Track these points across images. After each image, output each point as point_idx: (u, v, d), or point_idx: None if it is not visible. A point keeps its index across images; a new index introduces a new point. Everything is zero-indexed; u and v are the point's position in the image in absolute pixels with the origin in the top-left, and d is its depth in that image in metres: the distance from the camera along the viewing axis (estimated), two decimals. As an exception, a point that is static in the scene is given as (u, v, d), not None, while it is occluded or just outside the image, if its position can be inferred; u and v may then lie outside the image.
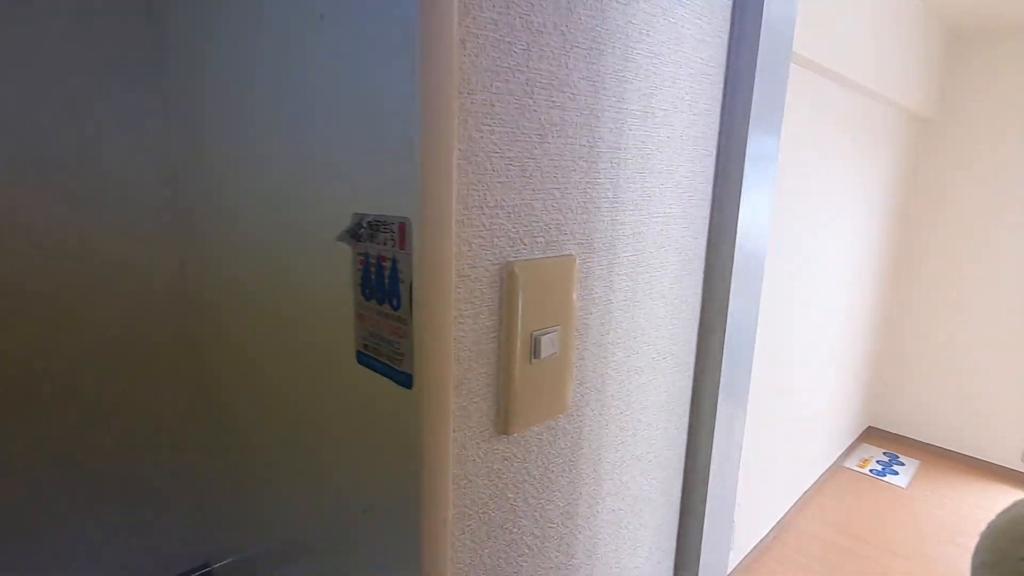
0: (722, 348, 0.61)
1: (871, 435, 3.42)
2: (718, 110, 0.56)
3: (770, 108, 0.58)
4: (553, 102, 0.41)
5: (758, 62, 0.54)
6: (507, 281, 0.40)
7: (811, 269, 2.18)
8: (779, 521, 2.46)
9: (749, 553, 2.22)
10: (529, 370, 0.42)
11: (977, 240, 2.99)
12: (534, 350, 0.41)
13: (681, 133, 0.52)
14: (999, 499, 2.80)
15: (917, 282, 3.21)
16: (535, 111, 0.39)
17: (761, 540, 2.31)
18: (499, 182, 0.38)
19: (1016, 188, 2.85)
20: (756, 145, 0.57)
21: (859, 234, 2.61)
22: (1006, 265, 2.91)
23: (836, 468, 3.02)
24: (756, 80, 0.54)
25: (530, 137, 0.40)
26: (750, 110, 0.55)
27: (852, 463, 3.08)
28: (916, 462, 3.12)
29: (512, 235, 0.40)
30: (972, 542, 2.42)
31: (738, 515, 2.05)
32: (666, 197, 0.52)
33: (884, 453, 3.20)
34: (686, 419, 0.64)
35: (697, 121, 0.54)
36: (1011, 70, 2.80)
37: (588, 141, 0.44)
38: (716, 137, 0.56)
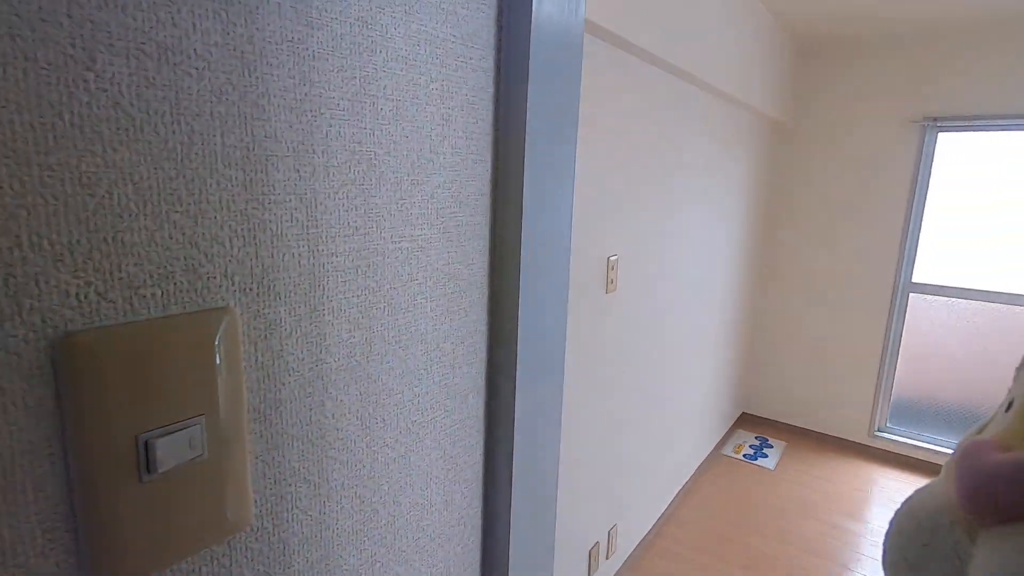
0: (514, 382, 0.50)
1: (744, 421, 3.62)
2: (490, 104, 0.44)
3: (558, 107, 0.47)
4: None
5: (532, 52, 0.42)
6: (66, 363, 0.25)
7: (676, 269, 2.21)
8: (663, 514, 2.49)
9: (633, 551, 2.22)
10: (139, 492, 0.27)
11: (827, 236, 3.24)
12: (146, 462, 0.27)
13: (428, 133, 0.40)
14: (850, 471, 3.05)
15: (778, 276, 3.44)
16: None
17: (645, 535, 2.33)
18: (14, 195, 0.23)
19: (858, 187, 3.11)
20: (542, 148, 0.46)
21: (724, 233, 2.71)
22: (851, 260, 3.18)
23: (715, 456, 3.15)
24: (533, 73, 0.43)
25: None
26: (525, 107, 0.43)
27: (728, 449, 3.23)
28: (783, 444, 3.33)
29: (76, 286, 0.25)
30: (829, 517, 2.60)
31: (620, 517, 2.04)
32: (410, 216, 0.40)
33: (756, 437, 3.39)
34: (479, 485, 0.52)
35: (453, 116, 0.41)
36: (853, 79, 3.04)
37: (243, 139, 0.30)
38: (490, 138, 0.45)
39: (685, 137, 2.07)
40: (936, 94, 2.84)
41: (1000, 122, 2.72)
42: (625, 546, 2.15)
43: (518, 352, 0.49)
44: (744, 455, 3.16)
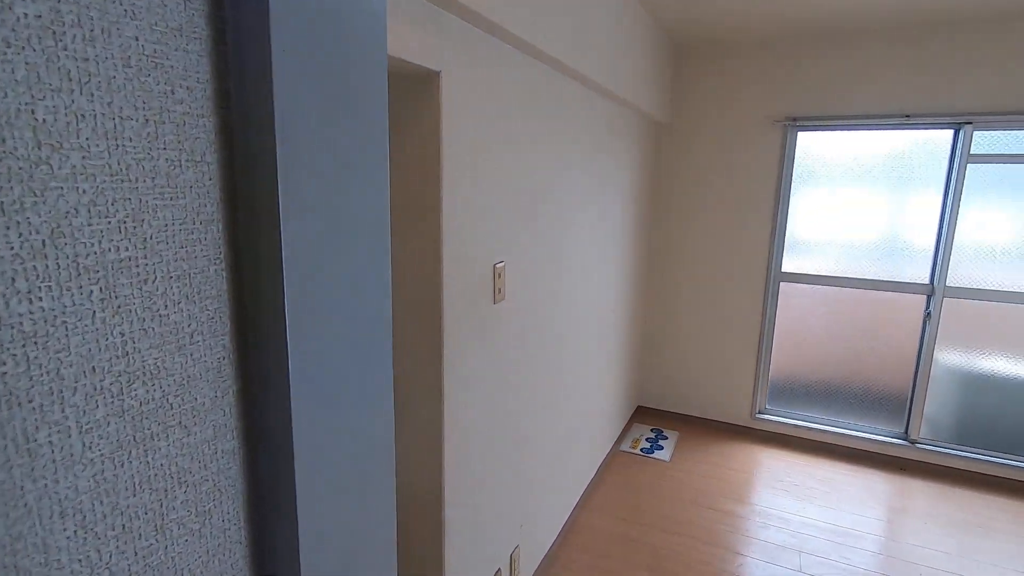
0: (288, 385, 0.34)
1: (641, 415, 3.70)
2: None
3: (340, 79, 0.32)
4: None
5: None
6: None
7: (564, 272, 2.14)
8: (566, 523, 2.43)
9: (537, 569, 2.13)
10: None
11: (706, 230, 3.38)
12: None
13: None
14: (737, 455, 3.20)
15: (662, 271, 3.54)
16: None
17: (549, 549, 2.25)
18: None
19: (732, 183, 3.27)
20: (314, 134, 0.30)
21: (610, 232, 2.70)
22: (728, 252, 3.34)
23: (614, 453, 3.17)
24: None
25: None
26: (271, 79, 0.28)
27: (627, 445, 3.27)
28: (676, 434, 3.43)
29: None
30: (720, 504, 2.68)
31: (523, 537, 1.93)
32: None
33: (651, 430, 3.46)
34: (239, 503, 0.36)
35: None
36: (725, 79, 3.18)
37: None
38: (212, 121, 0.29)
39: (567, 136, 2.00)
40: (794, 95, 3.04)
41: (850, 122, 2.97)
42: (529, 567, 2.05)
43: (288, 359, 0.33)
44: (641, 449, 3.21)
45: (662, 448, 3.23)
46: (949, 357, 3.03)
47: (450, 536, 1.42)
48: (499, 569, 1.76)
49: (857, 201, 3.09)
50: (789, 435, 3.37)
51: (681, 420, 3.62)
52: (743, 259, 3.31)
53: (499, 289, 1.59)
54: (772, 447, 3.31)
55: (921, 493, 2.86)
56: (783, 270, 3.29)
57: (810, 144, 3.14)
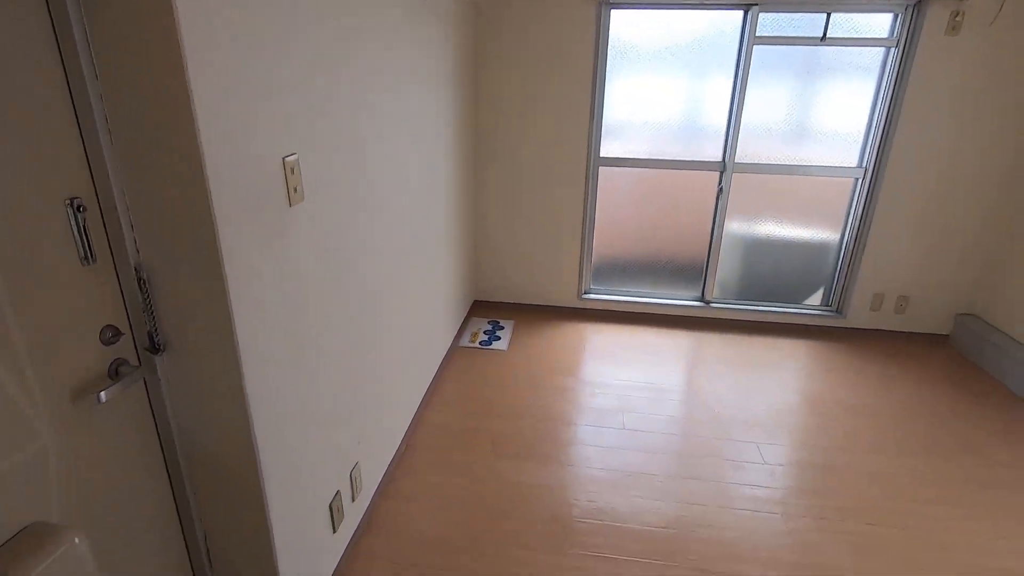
0: None
1: (478, 309, 3.74)
2: None
3: None
4: None
5: None
6: None
7: (378, 166, 1.90)
8: (409, 426, 2.40)
9: (381, 479, 2.09)
10: None
11: (528, 118, 3.29)
12: None
13: None
14: (566, 335, 3.42)
15: (490, 161, 3.43)
16: None
17: (394, 454, 2.21)
18: None
19: (550, 69, 3.16)
20: None
21: (432, 123, 2.47)
22: (551, 139, 3.32)
23: (454, 349, 3.17)
24: None
25: None
26: None
27: (466, 340, 3.29)
28: (512, 323, 3.54)
29: None
30: (554, 381, 2.86)
31: (362, 453, 1.83)
32: None
33: (489, 323, 3.53)
34: None
35: None
36: (536, -54, 2.93)
37: None
38: None
39: (365, 8, 1.66)
40: (607, -31, 2.94)
41: (657, 0, 2.98)
42: (373, 479, 1.99)
43: None
44: (480, 342, 3.27)
45: (499, 338, 3.32)
46: (736, 226, 3.46)
47: (268, 473, 1.26)
48: (338, 492, 1.66)
49: (663, 84, 3.21)
50: (611, 310, 3.67)
51: (516, 309, 3.73)
52: (565, 146, 3.32)
53: (294, 188, 1.32)
54: (598, 323, 3.59)
55: (713, 344, 3.35)
56: (601, 155, 3.38)
57: (621, 25, 3.11)
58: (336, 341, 1.59)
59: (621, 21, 3.11)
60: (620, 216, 3.53)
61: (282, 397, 1.31)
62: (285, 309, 1.31)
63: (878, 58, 3.05)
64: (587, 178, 3.38)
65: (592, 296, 3.67)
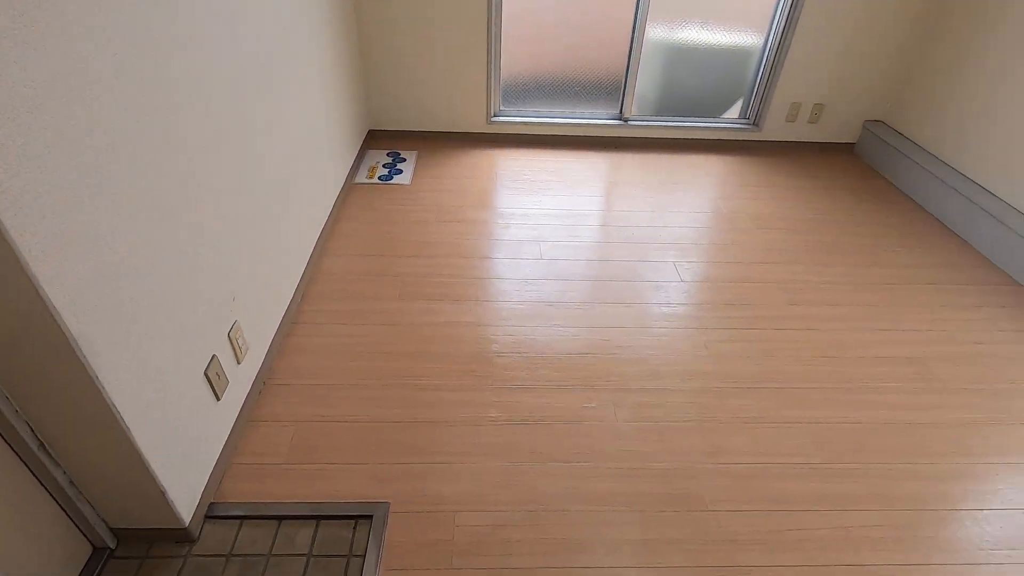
0: None
1: (374, 140, 3.27)
2: None
3: None
4: None
5: None
6: None
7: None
8: (302, 277, 2.11)
9: (278, 330, 1.85)
10: None
11: None
12: None
13: None
14: (476, 163, 3.10)
15: (370, -56, 2.70)
16: None
17: (286, 309, 1.95)
18: None
19: None
20: None
21: None
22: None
23: (349, 188, 2.79)
24: None
25: None
26: None
27: (363, 176, 2.89)
28: (414, 153, 3.14)
29: None
30: (465, 214, 2.61)
31: (243, 311, 1.55)
32: None
33: (388, 155, 3.10)
34: None
35: None
36: None
37: None
38: None
39: None
40: None
41: None
42: (263, 338, 1.74)
43: None
44: (379, 177, 2.88)
45: (401, 172, 2.94)
46: (657, 34, 3.09)
47: (88, 341, 0.96)
48: (214, 356, 1.40)
49: None
50: (524, 134, 3.34)
51: (419, 138, 3.31)
52: (460, -78, 2.65)
53: None
54: (510, 148, 3.27)
55: (630, 165, 3.18)
56: (506, -63, 2.76)
57: None
58: (214, 184, 1.20)
59: None
60: (531, 28, 3.03)
61: (107, 246, 0.97)
62: (138, 169, 0.90)
63: None
64: (490, -31, 2.79)
65: (502, 119, 3.29)
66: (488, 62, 3.05)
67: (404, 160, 3.05)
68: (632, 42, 3.09)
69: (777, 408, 1.74)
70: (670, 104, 3.35)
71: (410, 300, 2.10)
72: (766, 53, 3.18)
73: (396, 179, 2.87)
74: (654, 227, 2.64)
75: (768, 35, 3.13)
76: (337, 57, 2.55)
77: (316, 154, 2.27)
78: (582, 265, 2.35)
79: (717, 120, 3.41)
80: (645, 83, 3.26)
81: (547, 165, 3.12)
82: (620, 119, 3.35)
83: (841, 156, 3.40)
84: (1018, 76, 2.48)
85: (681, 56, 3.18)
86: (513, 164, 3.12)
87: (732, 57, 3.20)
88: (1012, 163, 2.50)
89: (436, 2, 2.86)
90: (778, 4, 3.03)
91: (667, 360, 1.90)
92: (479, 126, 3.29)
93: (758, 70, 3.25)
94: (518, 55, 3.13)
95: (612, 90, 3.28)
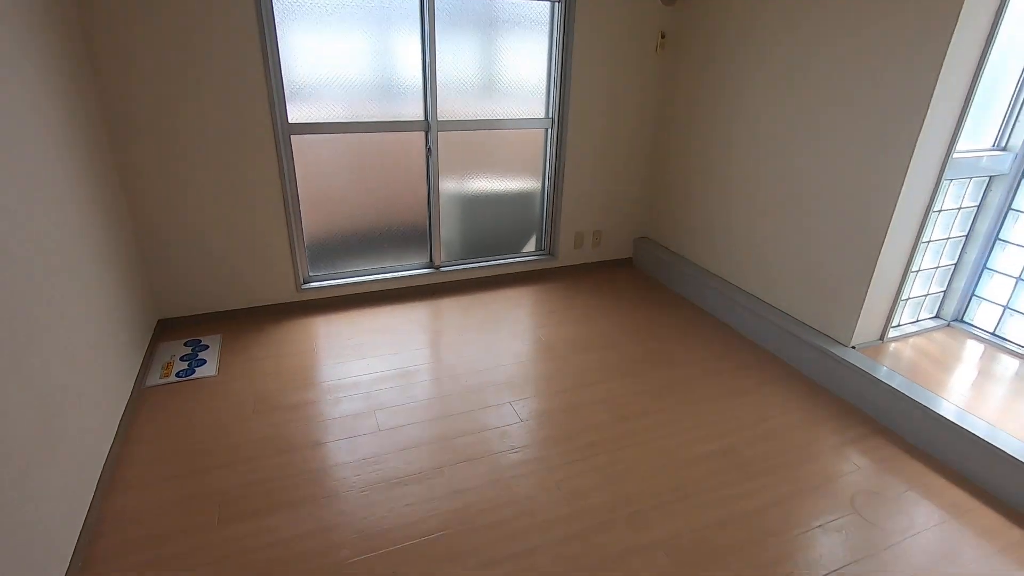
0: None
1: (167, 331, 2.93)
2: None
3: None
4: None
5: None
6: None
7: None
8: (82, 529, 1.70)
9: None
10: None
11: (186, 88, 2.55)
12: None
13: None
14: (292, 338, 2.94)
15: (134, 142, 2.58)
16: None
17: (68, 567, 1.53)
18: None
19: (198, 13, 2.46)
20: None
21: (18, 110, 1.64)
22: (220, 109, 2.65)
23: (138, 396, 2.41)
24: None
25: None
26: None
27: (155, 377, 2.53)
28: (218, 338, 2.88)
29: None
30: (288, 398, 2.41)
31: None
32: None
33: (186, 344, 2.79)
34: None
35: None
36: None
37: None
38: None
39: None
40: None
41: (319, -66, 2.53)
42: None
43: None
44: (178, 374, 2.55)
45: (204, 362, 2.65)
46: (450, 185, 3.39)
47: None
48: None
49: (349, 39, 2.82)
50: (339, 295, 3.29)
51: (221, 319, 3.05)
52: (240, 113, 2.69)
53: None
54: (326, 313, 3.18)
55: (450, 309, 3.30)
56: (291, 121, 2.86)
57: (283, -41, 2.58)
58: None
59: (280, -44, 2.57)
60: (330, 189, 3.11)
61: None
62: None
63: (548, 12, 3.21)
64: (279, 150, 2.84)
65: (314, 284, 3.22)
66: (289, 229, 3.01)
67: (206, 348, 2.76)
68: (430, 194, 3.34)
69: (635, 535, 1.81)
70: (476, 246, 3.63)
71: (235, 522, 1.81)
72: (545, 193, 3.68)
73: (199, 371, 2.57)
74: (486, 369, 2.72)
75: (543, 180, 3.64)
76: (98, 248, 2.29)
77: (79, 364, 1.94)
78: (424, 427, 2.29)
79: (519, 254, 3.76)
80: (449, 229, 3.50)
81: (368, 324, 3.09)
82: (432, 267, 3.51)
83: (624, 271, 3.97)
84: (738, 190, 3.22)
85: (477, 202, 3.52)
86: (332, 330, 3.02)
87: (521, 198, 3.63)
88: (742, 260, 3.16)
89: (214, 175, 2.80)
90: (546, 155, 3.57)
91: (526, 513, 1.89)
92: (289, 295, 3.16)
93: (542, 209, 3.73)
94: (321, 217, 3.16)
95: (420, 239, 3.45)
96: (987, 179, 2.64)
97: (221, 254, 2.93)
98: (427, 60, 3.00)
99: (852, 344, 2.64)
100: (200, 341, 2.82)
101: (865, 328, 2.63)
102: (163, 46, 2.46)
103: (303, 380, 2.57)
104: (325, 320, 3.11)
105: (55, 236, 1.80)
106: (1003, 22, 2.12)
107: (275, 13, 2.64)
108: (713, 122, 3.26)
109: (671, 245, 3.78)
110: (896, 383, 2.36)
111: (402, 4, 2.86)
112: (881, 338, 2.71)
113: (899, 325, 2.83)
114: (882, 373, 2.44)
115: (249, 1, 2.52)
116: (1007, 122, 2.53)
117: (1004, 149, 2.58)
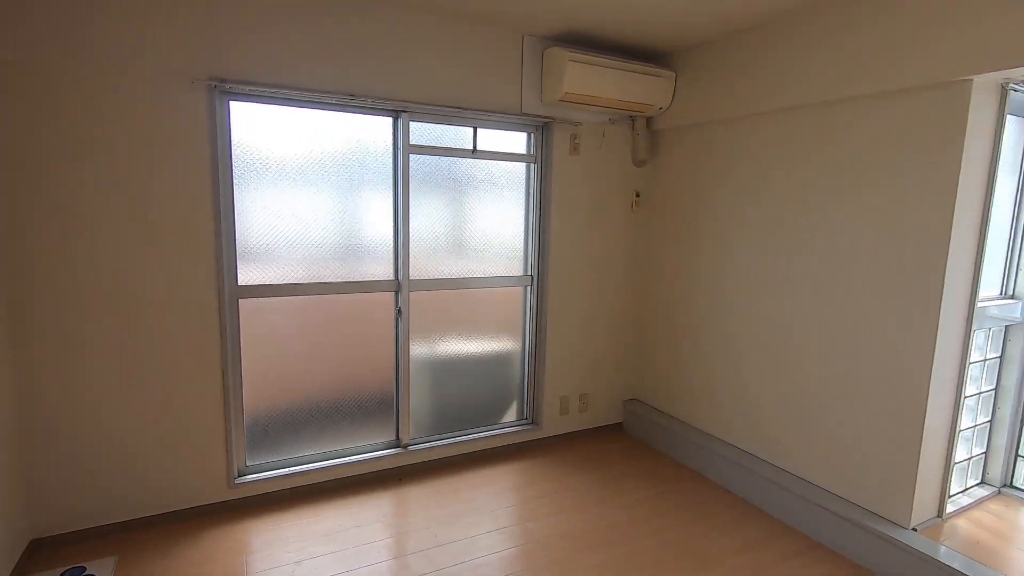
0: None
1: (44, 553, 2.19)
2: None
3: None
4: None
5: None
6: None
7: None
8: None
9: None
10: None
11: (113, 245, 2.21)
12: None
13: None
14: (221, 548, 2.25)
15: (51, 327, 2.14)
16: None
17: None
18: None
19: (148, 170, 2.21)
20: None
21: None
22: (157, 277, 2.29)
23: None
24: None
25: None
26: None
27: (4, 633, 1.78)
28: (113, 560, 2.16)
29: None
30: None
31: None
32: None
33: (63, 574, 2.06)
34: None
35: None
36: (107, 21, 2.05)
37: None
38: None
39: None
40: (221, 49, 2.26)
41: (292, 95, 2.42)
42: None
43: None
44: (40, 626, 1.81)
45: (85, 603, 1.92)
46: (422, 350, 3.01)
47: None
48: None
49: (313, 198, 2.62)
50: (283, 489, 2.66)
51: (119, 533, 2.34)
52: (182, 278, 2.33)
53: None
54: (265, 515, 2.52)
55: (419, 499, 2.70)
56: (240, 283, 2.51)
57: (250, 128, 2.44)
58: None
59: (247, 120, 2.43)
60: (282, 358, 2.66)
61: None
62: None
63: (524, 171, 3.17)
64: (222, 314, 2.43)
65: (251, 477, 2.60)
66: (225, 406, 2.48)
67: (93, 574, 2.04)
68: (398, 361, 2.92)
69: None
70: (450, 418, 3.14)
71: None
72: (527, 356, 3.33)
73: (73, 620, 1.84)
74: (467, 574, 2.09)
75: (524, 341, 3.32)
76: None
77: None
78: None
79: (499, 425, 3.29)
80: (419, 401, 3.03)
81: (319, 527, 2.44)
82: (399, 445, 2.97)
83: (617, 438, 3.52)
84: (716, 354, 2.95)
85: (451, 368, 3.11)
86: (273, 538, 2.35)
87: (499, 362, 3.26)
88: (752, 426, 2.79)
89: (138, 340, 2.31)
90: (526, 313, 3.29)
91: None
92: (217, 493, 2.52)
93: (524, 372, 3.35)
94: (268, 392, 2.65)
95: (384, 413, 2.95)
96: (1003, 328, 2.49)
97: (130, 445, 2.33)
98: (399, 218, 2.80)
99: (912, 526, 2.21)
100: (85, 568, 2.09)
101: (921, 505, 2.23)
102: (92, 197, 2.15)
103: (222, 623, 1.87)
104: (262, 524, 2.44)
105: None
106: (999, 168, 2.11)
107: (233, 172, 2.42)
108: (711, 277, 3.12)
109: (666, 407, 3.41)
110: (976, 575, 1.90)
111: (376, 167, 2.73)
112: (939, 515, 2.30)
113: (953, 496, 2.44)
114: (959, 562, 1.99)
115: (204, 163, 2.30)
116: (1008, 269, 2.45)
117: (1013, 297, 2.47)
